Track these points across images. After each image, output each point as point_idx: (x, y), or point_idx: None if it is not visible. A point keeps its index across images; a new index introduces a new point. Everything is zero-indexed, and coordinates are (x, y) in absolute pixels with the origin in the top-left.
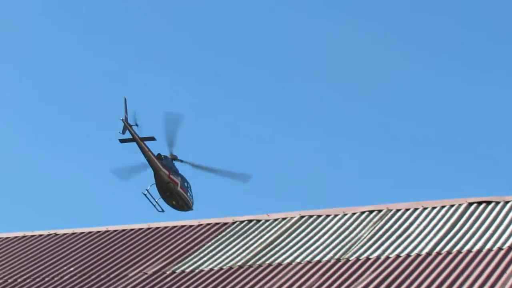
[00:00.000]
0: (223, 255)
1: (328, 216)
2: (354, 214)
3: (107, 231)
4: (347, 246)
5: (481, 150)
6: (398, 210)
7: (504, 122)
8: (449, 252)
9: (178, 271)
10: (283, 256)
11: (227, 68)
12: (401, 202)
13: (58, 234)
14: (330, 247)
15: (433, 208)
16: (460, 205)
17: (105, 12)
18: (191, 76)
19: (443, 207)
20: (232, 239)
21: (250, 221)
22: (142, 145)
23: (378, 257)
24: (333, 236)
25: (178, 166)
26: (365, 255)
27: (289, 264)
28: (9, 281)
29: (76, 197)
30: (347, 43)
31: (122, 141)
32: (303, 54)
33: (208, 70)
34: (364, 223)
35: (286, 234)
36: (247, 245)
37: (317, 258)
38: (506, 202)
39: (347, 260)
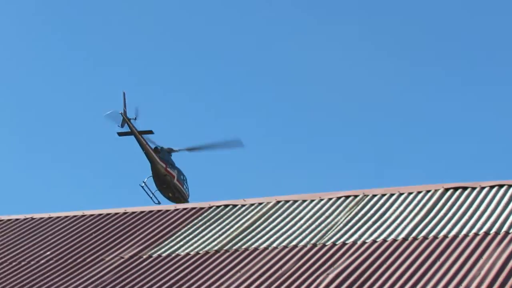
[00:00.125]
0: (199, 239)
1: (304, 201)
2: (330, 199)
3: (84, 215)
4: (323, 231)
5: (457, 137)
6: (374, 196)
7: (480, 109)
8: (425, 238)
9: (155, 255)
10: (260, 241)
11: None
12: (378, 188)
13: (34, 218)
14: (307, 232)
15: (409, 193)
16: (436, 190)
17: (103, 7)
18: (189, 72)
19: (419, 192)
20: (208, 223)
21: (226, 206)
22: (140, 138)
23: (354, 242)
24: (310, 221)
25: (175, 157)
26: (342, 240)
27: (265, 248)
28: None
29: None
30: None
31: (120, 134)
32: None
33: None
34: (341, 208)
35: (263, 219)
36: (224, 229)
37: (294, 243)
38: (482, 188)
39: (324, 245)
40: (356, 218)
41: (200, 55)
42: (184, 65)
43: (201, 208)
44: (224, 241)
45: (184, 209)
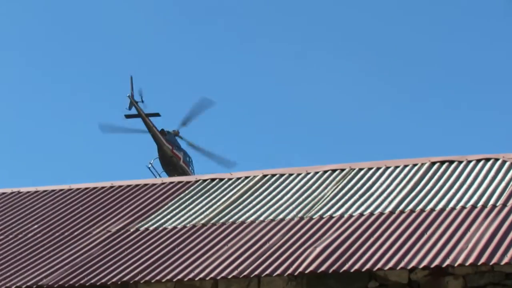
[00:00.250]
0: (186, 213)
1: (291, 175)
2: (317, 173)
3: (70, 189)
4: (310, 205)
5: (443, 110)
6: (361, 169)
7: (465, 83)
8: (412, 211)
9: (142, 228)
10: (247, 215)
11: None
12: (364, 162)
13: (21, 192)
14: (293, 205)
15: (396, 167)
16: (422, 164)
17: None
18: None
19: (406, 166)
20: (195, 197)
21: (213, 179)
22: (147, 120)
23: (341, 216)
24: (296, 195)
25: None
26: (329, 213)
27: (252, 222)
28: None
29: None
30: None
31: (127, 116)
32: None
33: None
34: (327, 182)
35: (249, 192)
36: (210, 203)
37: (281, 216)
38: (469, 161)
39: (311, 218)
40: (343, 191)
41: (206, 39)
42: (190, 49)
43: (188, 182)
44: (211, 215)
45: (171, 183)
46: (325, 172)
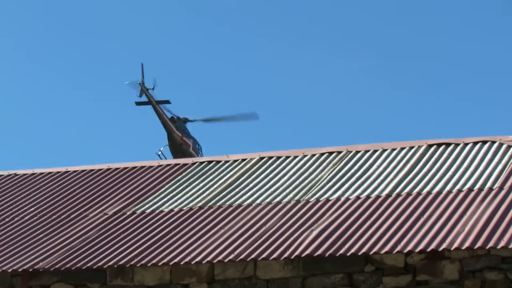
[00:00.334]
0: (183, 196)
1: (287, 157)
2: (313, 155)
3: (67, 171)
4: (307, 188)
5: (440, 93)
6: (357, 152)
7: (463, 65)
8: (409, 194)
9: (139, 211)
10: (243, 197)
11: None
12: (361, 144)
13: (18, 175)
14: (290, 188)
15: (393, 150)
16: (419, 147)
17: None
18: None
19: (402, 148)
20: (192, 180)
21: (209, 162)
22: (157, 108)
23: (338, 199)
24: (293, 178)
25: (190, 127)
26: (325, 196)
27: (249, 205)
28: None
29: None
30: None
31: (138, 103)
32: None
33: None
34: (324, 164)
35: (246, 175)
36: (207, 186)
37: (277, 199)
38: (466, 144)
39: (307, 201)
40: (340, 174)
41: (218, 23)
42: (201, 35)
43: (185, 164)
44: (208, 198)
45: (168, 165)
46: (322, 154)
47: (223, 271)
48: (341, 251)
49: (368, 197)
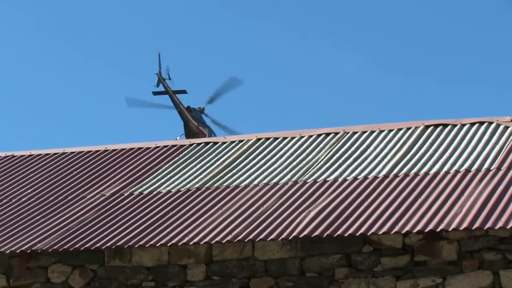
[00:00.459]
0: (180, 177)
1: (284, 138)
2: (311, 136)
3: (64, 152)
4: (304, 169)
5: (437, 73)
6: (355, 133)
7: (460, 45)
8: (406, 175)
9: (136, 192)
10: (241, 178)
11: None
12: (358, 125)
13: (15, 156)
14: (288, 169)
15: (390, 130)
16: (416, 127)
17: None
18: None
19: (399, 129)
20: (189, 161)
21: (207, 143)
22: (174, 97)
23: (335, 179)
24: (290, 159)
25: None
26: (323, 177)
27: (246, 186)
28: None
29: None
30: None
31: (155, 93)
32: None
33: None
34: (321, 145)
35: (243, 156)
36: (205, 167)
37: (275, 180)
38: (463, 125)
39: (305, 182)
40: (337, 155)
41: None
42: (216, 27)
43: (182, 146)
44: (205, 179)
45: (165, 146)
46: (319, 135)
47: (221, 252)
48: (339, 232)
49: (365, 178)
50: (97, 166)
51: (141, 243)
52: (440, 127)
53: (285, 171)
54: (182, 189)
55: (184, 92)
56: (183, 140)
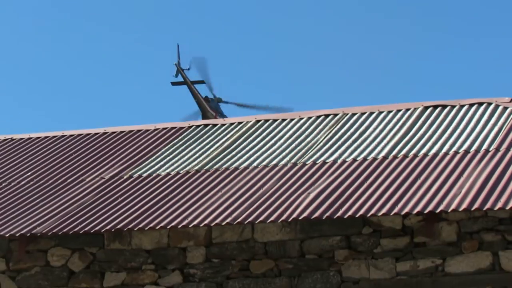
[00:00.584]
0: (179, 159)
1: (284, 120)
2: (310, 118)
3: (63, 135)
4: (303, 150)
5: (436, 54)
6: (354, 114)
7: (459, 27)
8: (405, 156)
9: (135, 175)
10: (240, 160)
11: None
12: (357, 106)
13: (14, 139)
14: (287, 151)
15: (389, 112)
16: (415, 108)
17: None
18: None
19: (398, 111)
20: (188, 143)
21: (206, 125)
22: (192, 88)
23: (334, 161)
24: (289, 140)
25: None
26: (322, 159)
27: (246, 168)
28: None
29: None
30: None
31: (174, 84)
32: None
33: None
34: (320, 127)
35: (242, 138)
36: (204, 149)
37: (274, 162)
38: (462, 106)
39: (304, 164)
40: (336, 136)
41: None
42: (236, 15)
43: (181, 128)
44: (205, 161)
45: (164, 128)
46: (318, 117)
47: (220, 234)
48: (339, 214)
49: (365, 159)
50: (96, 149)
51: (140, 225)
52: (439, 108)
53: (284, 153)
54: (182, 171)
55: (202, 82)
56: (182, 122)
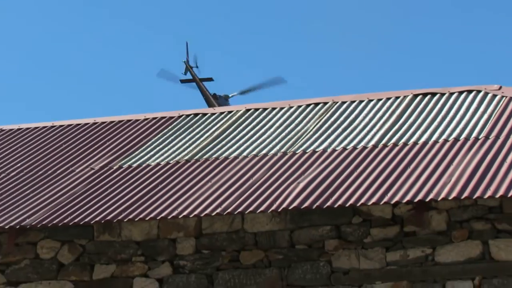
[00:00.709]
0: (169, 149)
1: (273, 109)
2: (299, 107)
3: (53, 126)
4: (293, 139)
5: (425, 42)
6: (343, 103)
7: (447, 14)
8: (395, 144)
9: (125, 166)
10: (230, 150)
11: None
12: (347, 94)
13: (4, 130)
14: (277, 140)
15: (378, 100)
16: (405, 96)
17: None
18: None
19: (388, 99)
20: (178, 133)
21: (196, 114)
22: (200, 85)
23: (324, 150)
24: (279, 129)
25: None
26: (312, 148)
27: (236, 157)
28: None
29: None
30: None
31: (182, 81)
32: None
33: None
34: (310, 116)
35: (232, 127)
36: (194, 139)
37: (264, 151)
38: (451, 93)
39: (294, 153)
40: (326, 125)
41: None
42: (244, 16)
43: (171, 117)
44: (194, 151)
45: (154, 118)
46: (308, 106)
47: (210, 225)
48: (328, 203)
49: (354, 148)
50: (86, 139)
51: (130, 217)
52: (428, 96)
53: (274, 142)
54: (171, 161)
55: (210, 79)
56: (172, 112)
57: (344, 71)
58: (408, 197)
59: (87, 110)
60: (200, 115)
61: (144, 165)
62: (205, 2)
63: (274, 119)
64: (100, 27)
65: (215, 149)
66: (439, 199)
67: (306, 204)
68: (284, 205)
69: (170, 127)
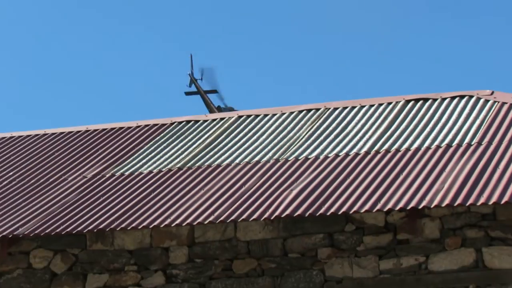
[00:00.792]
0: (162, 157)
1: (266, 115)
2: (292, 113)
3: (45, 134)
4: (285, 146)
5: (416, 47)
6: (335, 109)
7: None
8: (388, 151)
9: (118, 173)
10: (222, 157)
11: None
12: (339, 101)
13: None
14: (269, 147)
15: (371, 106)
16: (397, 102)
17: None
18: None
19: (380, 104)
20: (170, 140)
21: (188, 121)
22: (205, 97)
23: (317, 157)
24: (272, 136)
25: None
26: (304, 154)
27: (228, 165)
28: None
29: None
30: None
31: (187, 93)
32: None
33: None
34: (302, 122)
35: (224, 134)
36: (186, 146)
37: (256, 158)
38: (443, 99)
39: (286, 160)
40: (318, 132)
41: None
42: (248, 26)
43: (163, 125)
44: (187, 158)
45: (146, 125)
46: (300, 112)
47: (203, 233)
48: (321, 211)
49: (347, 154)
50: (78, 147)
51: (123, 225)
52: (420, 102)
53: (266, 149)
54: (164, 169)
55: (215, 92)
56: (164, 119)
57: (336, 77)
58: (401, 205)
59: (81, 118)
60: (192, 122)
61: (136, 173)
62: (208, 14)
63: (266, 125)
64: (94, 34)
65: (207, 156)
66: (432, 206)
67: (299, 212)
68: (277, 213)
69: (162, 135)
